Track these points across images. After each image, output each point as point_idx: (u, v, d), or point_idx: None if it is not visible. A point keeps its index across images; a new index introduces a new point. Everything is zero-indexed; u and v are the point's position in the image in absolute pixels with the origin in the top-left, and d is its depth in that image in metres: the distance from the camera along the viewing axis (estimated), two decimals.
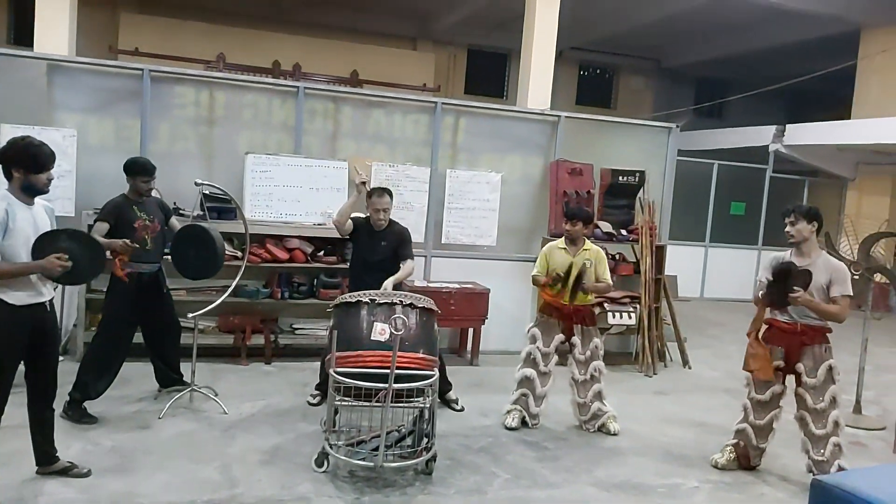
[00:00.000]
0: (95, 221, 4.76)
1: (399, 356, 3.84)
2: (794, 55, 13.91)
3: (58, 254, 3.39)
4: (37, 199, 3.55)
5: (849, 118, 12.36)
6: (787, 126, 12.28)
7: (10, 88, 6.08)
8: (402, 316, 3.89)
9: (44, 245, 3.43)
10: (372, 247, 5.12)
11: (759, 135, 12.63)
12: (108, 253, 4.31)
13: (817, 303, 4.24)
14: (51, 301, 3.62)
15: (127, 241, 4.58)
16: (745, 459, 4.60)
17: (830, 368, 4.34)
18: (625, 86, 17.72)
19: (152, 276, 4.93)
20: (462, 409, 5.38)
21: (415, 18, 14.84)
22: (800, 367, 4.37)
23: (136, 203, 4.82)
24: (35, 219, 3.49)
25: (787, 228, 4.37)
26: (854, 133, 11.30)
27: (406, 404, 4.11)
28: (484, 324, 6.81)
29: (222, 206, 6.03)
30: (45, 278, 3.51)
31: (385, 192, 5.11)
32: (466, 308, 6.67)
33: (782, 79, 13.55)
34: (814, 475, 4.23)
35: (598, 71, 17.73)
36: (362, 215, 5.36)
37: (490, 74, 16.66)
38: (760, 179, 12.73)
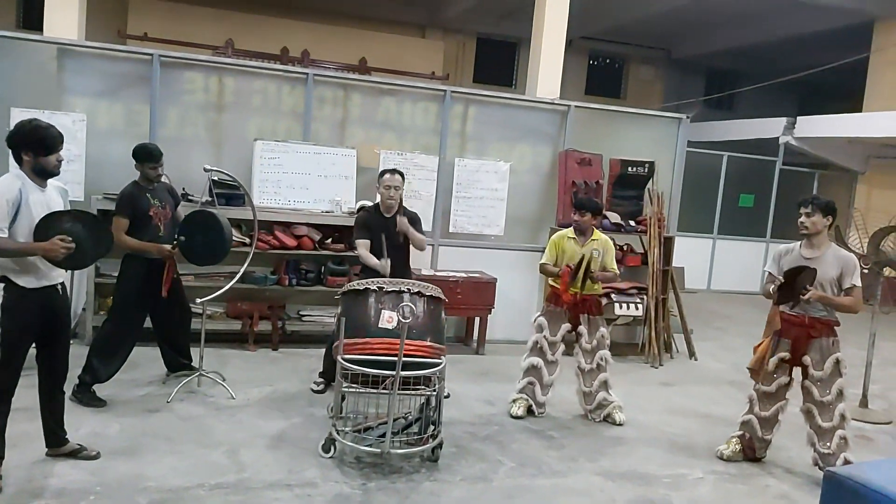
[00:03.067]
0: (114, 216, 4.71)
1: (406, 344, 3.85)
2: (806, 47, 13.79)
3: (61, 236, 3.35)
4: (49, 182, 3.54)
5: (860, 111, 12.27)
6: (798, 118, 12.19)
7: (20, 72, 6.10)
8: (409, 304, 3.90)
9: (47, 227, 3.37)
10: (385, 233, 5.09)
11: (770, 127, 12.54)
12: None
13: (831, 298, 4.23)
14: (62, 284, 3.63)
15: (169, 248, 4.75)
16: (751, 451, 4.61)
17: (838, 362, 4.33)
18: (634, 76, 17.62)
19: (163, 261, 4.94)
20: (448, 396, 5.17)
21: (423, 6, 14.77)
22: (807, 359, 4.37)
23: (148, 190, 4.84)
24: (48, 202, 3.49)
25: (802, 219, 4.33)
26: (865, 126, 11.21)
27: (413, 391, 4.13)
28: (490, 313, 6.81)
29: (231, 192, 6.03)
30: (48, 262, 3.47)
31: (396, 171, 5.19)
32: (473, 297, 6.67)
33: (794, 70, 13.44)
34: (819, 468, 4.25)
35: (607, 61, 17.62)
36: (369, 203, 5.40)
37: (499, 63, 16.56)
38: (770, 171, 12.65)
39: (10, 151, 3.46)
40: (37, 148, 3.40)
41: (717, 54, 15.84)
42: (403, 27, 15.08)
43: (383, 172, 5.21)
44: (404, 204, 5.30)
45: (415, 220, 5.24)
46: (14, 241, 3.34)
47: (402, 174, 5.20)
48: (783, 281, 4.28)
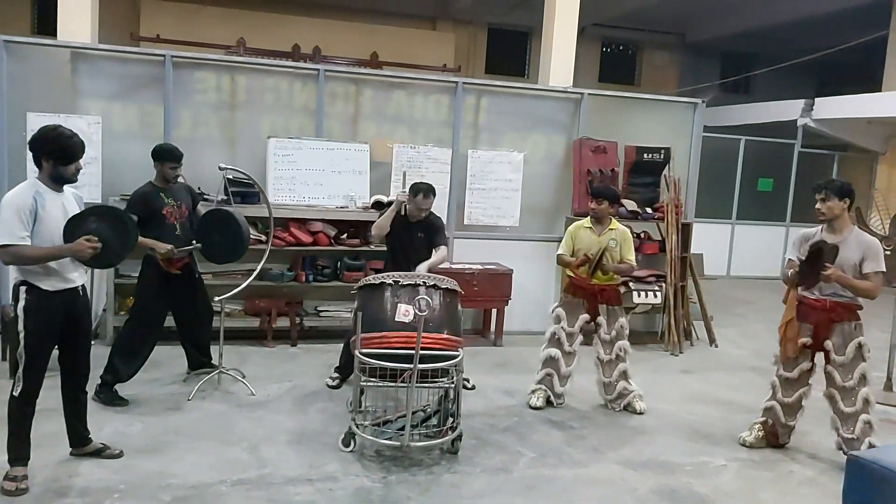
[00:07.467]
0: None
1: (423, 337, 3.85)
2: (823, 27, 13.55)
3: (87, 236, 3.41)
4: (65, 187, 3.59)
5: (879, 90, 12.05)
6: (816, 100, 12.01)
7: (35, 77, 6.15)
8: (425, 297, 3.90)
9: (73, 228, 3.45)
10: (409, 238, 5.16)
11: (787, 109, 12.37)
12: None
13: (849, 279, 4.16)
14: (82, 286, 3.67)
15: (172, 247, 4.71)
16: (774, 437, 4.56)
17: (860, 346, 4.26)
18: (648, 62, 17.44)
19: (183, 260, 4.98)
20: (473, 388, 5.35)
21: None
22: (828, 344, 4.31)
23: (163, 189, 4.86)
24: (65, 204, 3.53)
25: (818, 206, 4.27)
26: (885, 106, 11.03)
27: (431, 384, 4.14)
28: (507, 304, 6.80)
29: (246, 190, 6.05)
30: (77, 263, 3.54)
31: (431, 192, 5.11)
32: (490, 289, 6.66)
33: (811, 51, 13.23)
34: (844, 453, 4.19)
35: (620, 47, 17.46)
36: (384, 198, 5.41)
37: (511, 53, 16.48)
38: (788, 155, 12.48)
39: (29, 154, 3.51)
40: (58, 156, 3.44)
41: (731, 37, 15.62)
42: (414, 20, 15.04)
43: (417, 192, 5.05)
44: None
45: (438, 229, 5.24)
46: (37, 247, 3.39)
47: (435, 194, 5.14)
48: (805, 259, 4.21)
